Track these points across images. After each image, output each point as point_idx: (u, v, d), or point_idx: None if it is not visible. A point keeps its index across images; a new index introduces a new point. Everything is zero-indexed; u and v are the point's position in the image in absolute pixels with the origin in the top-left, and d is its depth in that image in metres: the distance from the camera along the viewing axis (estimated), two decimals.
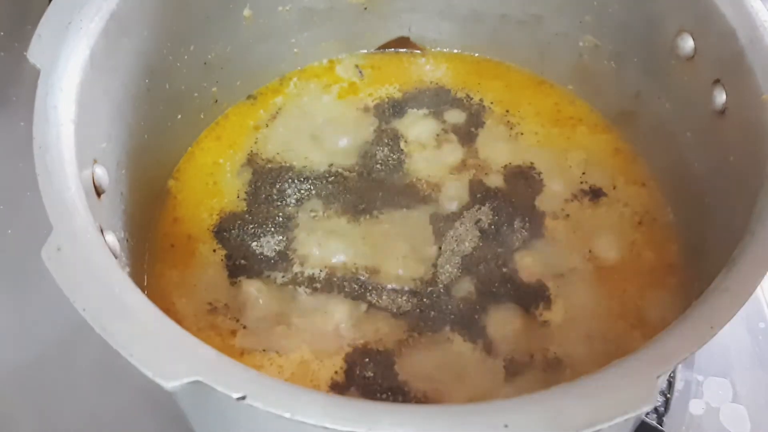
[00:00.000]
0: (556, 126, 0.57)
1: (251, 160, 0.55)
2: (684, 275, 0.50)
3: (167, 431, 0.51)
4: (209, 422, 0.43)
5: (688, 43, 0.48)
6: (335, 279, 0.50)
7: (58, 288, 0.33)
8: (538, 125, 0.57)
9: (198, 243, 0.52)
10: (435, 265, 0.50)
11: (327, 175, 0.55)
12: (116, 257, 0.38)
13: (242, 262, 0.51)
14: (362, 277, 0.50)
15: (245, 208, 0.53)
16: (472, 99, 0.59)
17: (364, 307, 0.49)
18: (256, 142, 0.56)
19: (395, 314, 0.48)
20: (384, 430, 0.30)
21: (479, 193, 0.54)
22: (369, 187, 0.54)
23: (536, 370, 0.46)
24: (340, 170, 0.55)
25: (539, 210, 0.53)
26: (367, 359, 0.47)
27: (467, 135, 0.57)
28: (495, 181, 0.54)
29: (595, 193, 0.54)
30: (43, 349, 0.54)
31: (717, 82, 0.45)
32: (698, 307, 0.34)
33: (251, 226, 0.52)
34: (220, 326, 0.48)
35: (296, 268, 0.50)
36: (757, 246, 0.36)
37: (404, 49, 0.62)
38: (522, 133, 0.57)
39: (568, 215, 0.53)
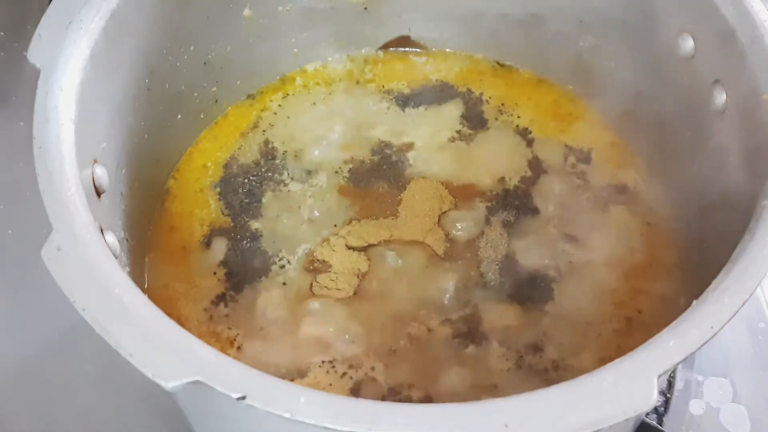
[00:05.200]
0: (556, 123, 0.57)
1: (228, 164, 0.55)
2: (684, 275, 0.50)
3: (167, 431, 0.51)
4: (209, 422, 0.43)
5: (688, 43, 0.48)
6: (341, 288, 0.50)
7: (58, 288, 0.33)
8: (539, 124, 0.57)
9: (192, 253, 0.51)
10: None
11: (326, 177, 0.55)
12: (116, 257, 0.38)
13: (239, 273, 0.50)
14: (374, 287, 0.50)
15: (231, 223, 0.53)
16: (474, 97, 0.59)
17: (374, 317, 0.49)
18: (240, 148, 0.56)
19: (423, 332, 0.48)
20: (384, 430, 0.30)
21: (489, 192, 0.54)
22: (370, 189, 0.54)
23: (536, 369, 0.46)
24: (338, 172, 0.55)
25: (539, 208, 0.53)
26: (374, 371, 0.47)
27: (470, 133, 0.57)
28: (500, 177, 0.55)
29: (595, 192, 0.54)
30: (43, 349, 0.54)
31: (717, 82, 0.45)
32: (698, 307, 0.34)
33: (239, 235, 0.52)
34: (220, 335, 0.48)
35: (299, 278, 0.50)
36: (757, 246, 0.36)
37: (405, 49, 0.62)
38: (523, 131, 0.57)
39: (567, 214, 0.53)
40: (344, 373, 0.46)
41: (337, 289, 0.49)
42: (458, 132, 0.57)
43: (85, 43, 0.42)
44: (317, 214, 0.53)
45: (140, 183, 0.49)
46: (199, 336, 0.47)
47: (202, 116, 0.57)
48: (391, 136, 0.57)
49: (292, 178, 0.55)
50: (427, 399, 0.45)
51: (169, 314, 0.34)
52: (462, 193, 0.54)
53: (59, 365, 0.53)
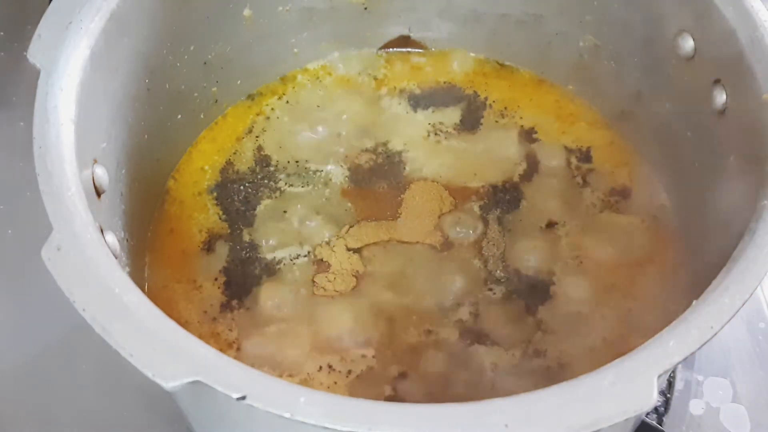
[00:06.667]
0: (558, 124, 0.57)
1: (224, 168, 0.55)
2: (684, 275, 0.50)
3: (167, 431, 0.51)
4: (209, 422, 0.43)
5: (688, 43, 0.48)
6: (338, 289, 0.50)
7: (58, 288, 0.33)
8: (540, 124, 0.57)
9: (192, 256, 0.51)
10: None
11: (324, 179, 0.55)
12: (116, 257, 0.38)
13: (238, 277, 0.50)
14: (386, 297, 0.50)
15: (228, 230, 0.52)
16: (479, 99, 0.59)
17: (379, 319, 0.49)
18: (235, 152, 0.56)
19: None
20: (384, 430, 0.30)
21: (489, 193, 0.54)
22: (371, 191, 0.54)
23: (536, 369, 0.46)
24: (337, 174, 0.55)
25: (539, 208, 0.53)
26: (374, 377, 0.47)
27: (472, 135, 0.57)
28: (501, 177, 0.55)
29: (595, 192, 0.54)
30: (43, 349, 0.54)
31: (717, 82, 0.45)
32: (698, 307, 0.34)
33: (237, 241, 0.52)
34: (219, 337, 0.48)
35: (298, 281, 0.50)
36: (757, 246, 0.36)
37: (405, 49, 0.62)
38: (524, 131, 0.57)
39: (567, 214, 0.53)
40: (344, 373, 0.46)
41: (335, 291, 0.49)
42: (460, 133, 0.57)
43: (85, 43, 0.42)
44: (316, 216, 0.53)
45: (140, 183, 0.49)
46: (199, 338, 0.47)
47: (202, 116, 0.56)
48: (391, 137, 0.57)
49: (287, 184, 0.54)
50: (428, 399, 0.45)
51: (169, 315, 0.34)
52: (462, 194, 0.54)
53: (59, 365, 0.53)
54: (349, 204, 0.53)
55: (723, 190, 0.45)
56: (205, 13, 0.53)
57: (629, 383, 0.31)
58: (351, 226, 0.52)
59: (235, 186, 0.54)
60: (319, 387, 0.45)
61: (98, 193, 0.42)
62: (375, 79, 0.60)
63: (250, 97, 0.59)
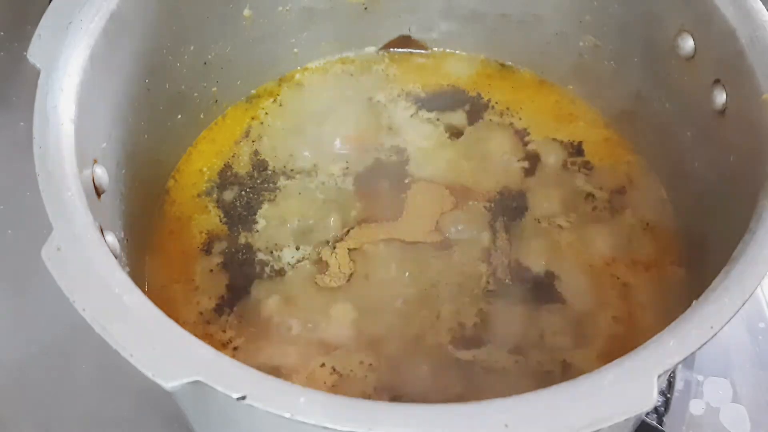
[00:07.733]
0: (557, 124, 0.57)
1: (223, 171, 0.55)
2: (684, 275, 0.50)
3: (167, 431, 0.51)
4: (209, 422, 0.43)
5: (688, 43, 0.48)
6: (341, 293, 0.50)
7: (58, 288, 0.33)
8: (540, 124, 0.57)
9: (192, 257, 0.51)
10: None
11: (324, 180, 0.55)
12: (116, 257, 0.38)
13: (237, 278, 0.50)
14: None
15: (227, 231, 0.52)
16: (481, 100, 0.59)
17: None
18: (233, 155, 0.56)
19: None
20: (384, 430, 0.30)
21: (490, 194, 0.54)
22: (372, 192, 0.54)
23: (536, 369, 0.46)
24: (335, 177, 0.55)
25: (540, 209, 0.53)
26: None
27: (473, 136, 0.57)
28: (501, 177, 0.55)
29: (595, 192, 0.54)
30: (43, 349, 0.54)
31: (717, 82, 0.45)
32: (698, 307, 0.34)
33: (237, 242, 0.52)
34: (217, 337, 0.48)
35: (297, 281, 0.50)
36: (757, 246, 0.36)
37: (405, 49, 0.62)
38: (524, 131, 0.57)
39: (567, 214, 0.53)
40: (342, 375, 0.46)
41: (331, 290, 0.49)
42: (460, 133, 0.57)
43: (85, 43, 0.42)
44: (316, 217, 0.53)
45: (140, 183, 0.49)
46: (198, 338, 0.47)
47: (202, 116, 0.57)
48: (391, 137, 0.57)
49: (287, 185, 0.54)
50: (427, 400, 0.45)
51: (168, 316, 0.34)
52: (464, 195, 0.54)
53: (59, 366, 0.53)
54: (351, 204, 0.53)
55: (723, 190, 0.45)
56: (205, 13, 0.53)
57: (629, 383, 0.31)
58: (352, 227, 0.52)
59: (234, 188, 0.54)
60: (317, 387, 0.45)
61: (98, 193, 0.42)
62: (375, 79, 0.60)
63: (250, 97, 0.59)
